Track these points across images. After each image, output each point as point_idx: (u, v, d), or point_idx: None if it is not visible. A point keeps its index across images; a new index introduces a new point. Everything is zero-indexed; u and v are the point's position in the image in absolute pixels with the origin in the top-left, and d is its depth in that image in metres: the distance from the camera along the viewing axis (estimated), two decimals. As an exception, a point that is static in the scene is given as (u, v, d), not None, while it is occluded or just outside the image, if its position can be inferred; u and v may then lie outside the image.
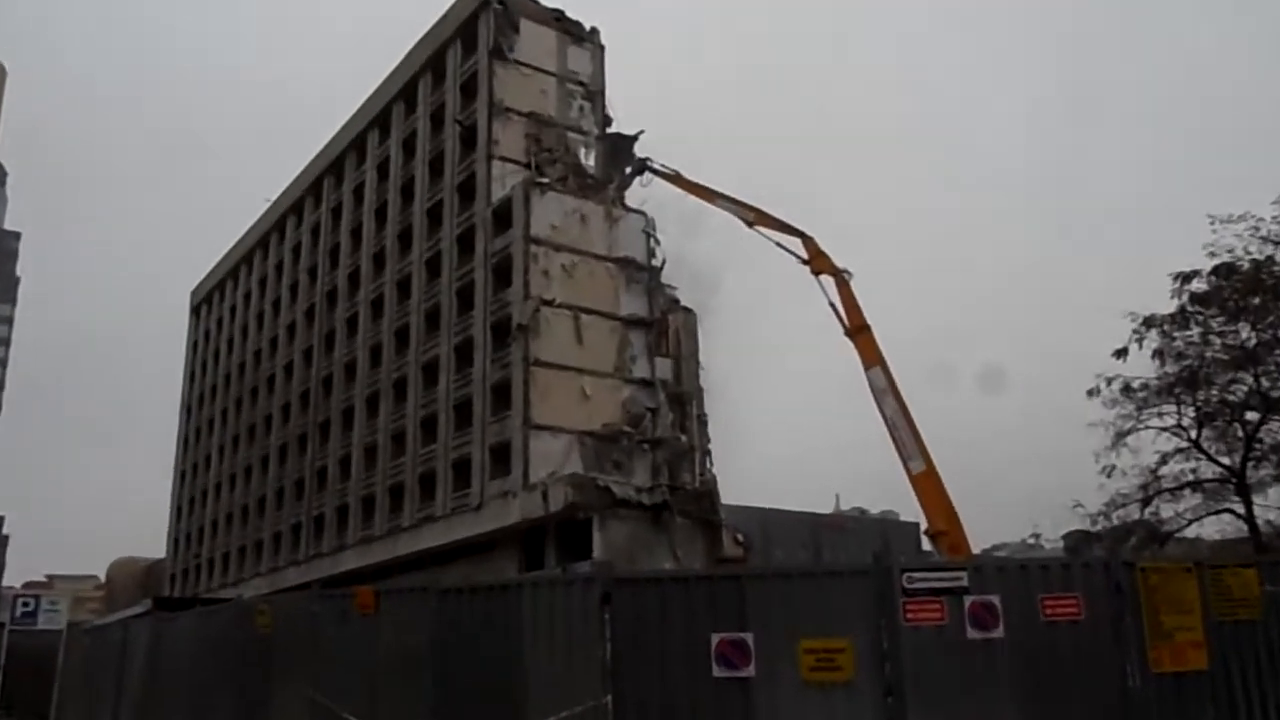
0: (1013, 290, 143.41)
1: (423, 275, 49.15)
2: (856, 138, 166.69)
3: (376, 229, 54.51)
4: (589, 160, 46.91)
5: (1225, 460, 22.81)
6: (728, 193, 37.70)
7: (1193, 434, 22.83)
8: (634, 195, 45.81)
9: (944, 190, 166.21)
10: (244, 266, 72.11)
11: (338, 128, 59.98)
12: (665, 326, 45.17)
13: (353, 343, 54.52)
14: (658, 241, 45.22)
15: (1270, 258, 21.41)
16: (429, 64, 51.38)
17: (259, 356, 66.53)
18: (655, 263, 45.05)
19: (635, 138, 46.78)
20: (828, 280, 33.86)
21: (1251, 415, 22.37)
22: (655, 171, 43.19)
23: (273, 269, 67.15)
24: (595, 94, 48.37)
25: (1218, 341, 22.32)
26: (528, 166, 44.93)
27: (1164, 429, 22.97)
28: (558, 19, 48.31)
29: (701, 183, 39.43)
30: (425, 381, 47.30)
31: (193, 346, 79.40)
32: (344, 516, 51.68)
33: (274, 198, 67.67)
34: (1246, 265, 21.43)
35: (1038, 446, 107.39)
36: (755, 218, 36.22)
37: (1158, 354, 22.41)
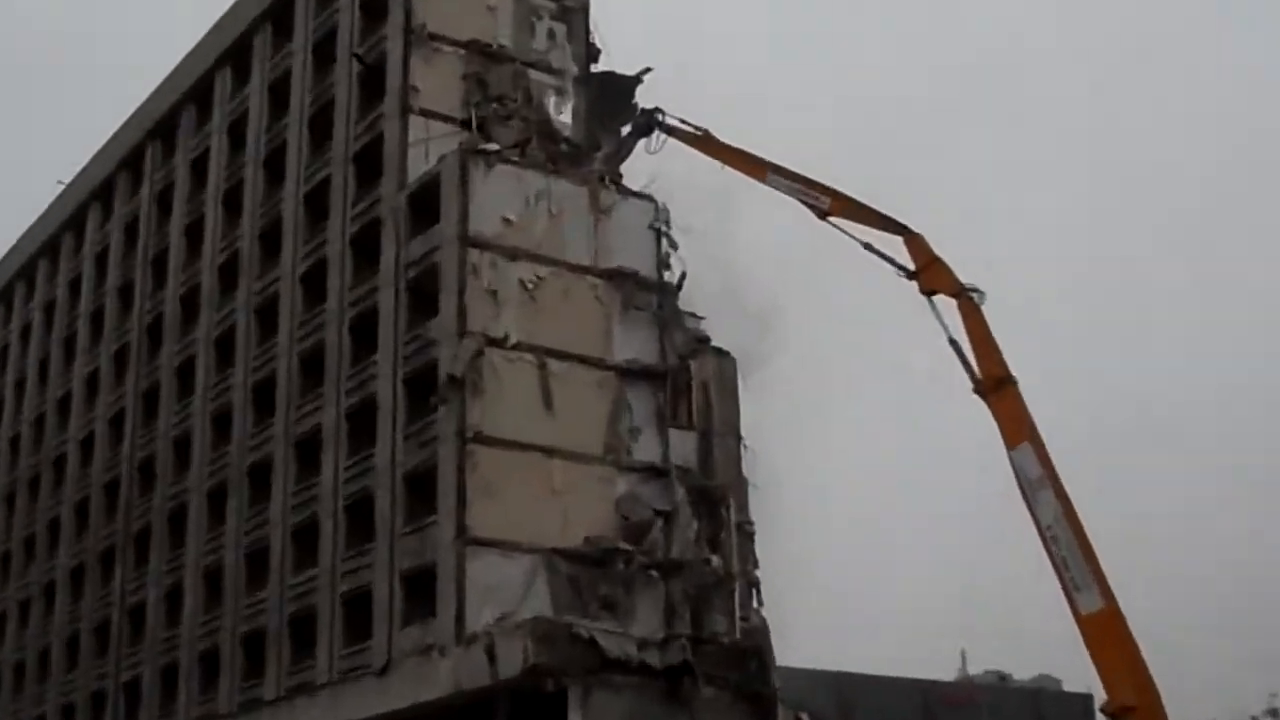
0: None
1: (297, 297, 49.36)
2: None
3: (227, 224, 55.00)
4: (563, 115, 47.07)
5: None
6: (788, 165, 38.15)
7: None
8: (636, 171, 45.92)
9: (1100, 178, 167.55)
10: (20, 285, 73.81)
11: (169, 69, 60.80)
12: (687, 380, 45.14)
13: (187, 405, 54.91)
14: (674, 245, 44.90)
15: None
16: (312, -32, 52.63)
17: (41, 426, 67.41)
18: (670, 278, 44.86)
19: (638, 79, 47.25)
20: (946, 304, 34.39)
21: None
22: (671, 131, 43.58)
23: (65, 288, 68.62)
24: (573, 13, 48.85)
25: None
26: (466, 125, 44.94)
27: None
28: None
29: (745, 149, 39.91)
30: (300, 467, 47.33)
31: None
32: (172, 682, 51.75)
33: (68, 179, 68.56)
34: None
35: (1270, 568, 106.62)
36: (833, 204, 36.84)
37: None
